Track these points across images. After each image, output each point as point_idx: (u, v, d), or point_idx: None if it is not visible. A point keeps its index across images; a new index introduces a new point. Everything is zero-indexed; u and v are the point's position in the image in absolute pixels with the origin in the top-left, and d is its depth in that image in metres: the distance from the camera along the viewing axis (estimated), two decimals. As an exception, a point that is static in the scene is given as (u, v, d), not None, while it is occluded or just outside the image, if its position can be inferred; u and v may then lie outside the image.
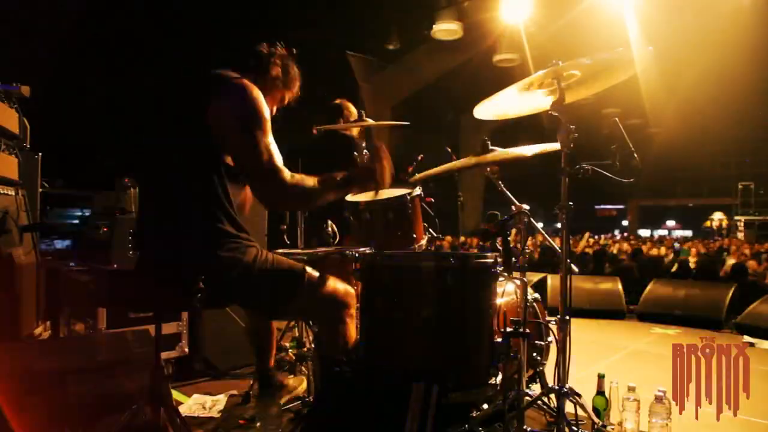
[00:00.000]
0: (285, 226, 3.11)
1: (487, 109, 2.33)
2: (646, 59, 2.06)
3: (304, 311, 1.98)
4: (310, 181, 1.92)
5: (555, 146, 2.18)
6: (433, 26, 9.58)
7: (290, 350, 3.06)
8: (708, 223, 25.46)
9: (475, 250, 6.63)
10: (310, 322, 2.76)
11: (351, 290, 2.08)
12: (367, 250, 2.39)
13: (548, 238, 2.76)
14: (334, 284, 2.02)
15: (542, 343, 2.47)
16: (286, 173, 1.84)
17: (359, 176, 2.08)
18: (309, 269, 1.98)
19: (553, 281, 5.76)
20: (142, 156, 2.00)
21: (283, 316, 2.12)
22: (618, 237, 18.22)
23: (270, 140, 1.85)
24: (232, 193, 1.90)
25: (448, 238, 8.14)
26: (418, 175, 2.70)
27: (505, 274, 2.12)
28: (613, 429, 2.21)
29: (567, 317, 2.12)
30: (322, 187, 1.93)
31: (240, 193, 1.99)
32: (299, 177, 1.89)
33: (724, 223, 24.44)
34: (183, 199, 1.86)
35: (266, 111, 1.89)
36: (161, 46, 7.59)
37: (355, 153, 2.86)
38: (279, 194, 1.86)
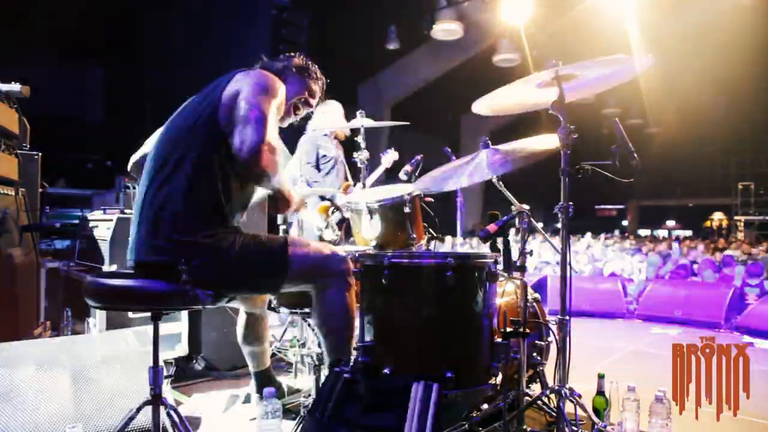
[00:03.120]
0: (285, 226, 3.10)
1: (485, 105, 2.32)
2: (646, 62, 2.04)
3: (298, 278, 2.01)
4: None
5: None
6: (433, 26, 9.58)
7: (290, 350, 3.06)
8: (708, 223, 25.43)
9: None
10: (309, 320, 2.76)
11: (342, 254, 2.09)
12: (367, 250, 2.38)
13: (548, 238, 2.76)
14: (320, 247, 2.08)
15: (542, 343, 2.47)
16: (275, 142, 1.89)
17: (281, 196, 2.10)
18: (290, 236, 2.04)
19: (553, 281, 5.75)
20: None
21: (279, 290, 2.10)
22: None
23: (273, 115, 1.91)
24: (231, 187, 1.92)
25: (448, 237, 8.12)
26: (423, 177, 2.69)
27: (505, 274, 2.12)
28: (613, 429, 2.21)
29: (567, 317, 2.12)
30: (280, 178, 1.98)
31: (240, 191, 2.00)
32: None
33: (724, 223, 24.41)
34: (174, 187, 1.88)
35: (281, 92, 1.98)
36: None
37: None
38: (258, 159, 1.86)
